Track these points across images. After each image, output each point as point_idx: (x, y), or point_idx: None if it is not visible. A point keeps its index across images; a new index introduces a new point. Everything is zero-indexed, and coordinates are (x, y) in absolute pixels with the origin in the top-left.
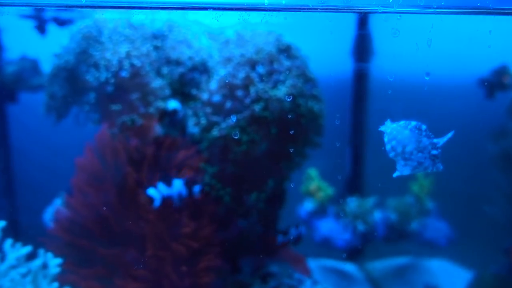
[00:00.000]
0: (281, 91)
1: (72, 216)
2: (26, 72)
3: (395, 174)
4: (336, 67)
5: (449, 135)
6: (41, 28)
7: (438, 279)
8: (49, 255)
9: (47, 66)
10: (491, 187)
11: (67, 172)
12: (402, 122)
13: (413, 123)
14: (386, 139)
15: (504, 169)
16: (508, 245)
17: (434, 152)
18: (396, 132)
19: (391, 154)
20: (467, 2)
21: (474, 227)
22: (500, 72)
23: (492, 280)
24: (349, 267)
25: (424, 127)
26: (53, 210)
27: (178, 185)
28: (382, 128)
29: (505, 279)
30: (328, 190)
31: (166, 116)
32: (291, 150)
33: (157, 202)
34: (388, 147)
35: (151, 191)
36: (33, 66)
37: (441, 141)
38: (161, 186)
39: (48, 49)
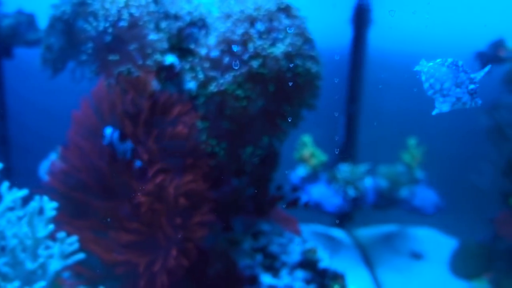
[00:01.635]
0: (280, 49)
1: (67, 168)
2: (22, 26)
3: (434, 112)
4: (335, 35)
5: (486, 69)
6: None
7: (424, 246)
8: (45, 198)
9: (43, 22)
10: (482, 158)
11: (63, 127)
12: (438, 60)
13: (450, 59)
14: (423, 78)
15: (496, 141)
16: (493, 214)
17: (472, 86)
18: (433, 70)
19: (430, 92)
20: None
21: (462, 197)
22: (497, 45)
23: (475, 248)
24: (338, 233)
25: (460, 63)
26: (48, 163)
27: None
28: (418, 68)
29: (488, 247)
30: (321, 157)
31: (163, 70)
32: (287, 110)
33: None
34: (426, 85)
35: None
36: (29, 20)
37: (478, 75)
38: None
39: (45, 4)
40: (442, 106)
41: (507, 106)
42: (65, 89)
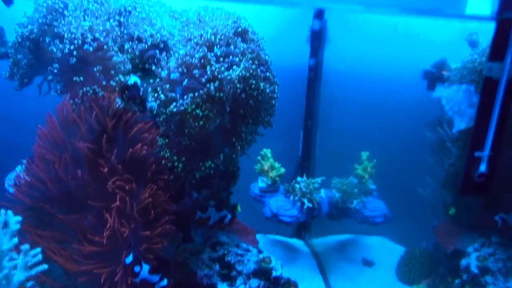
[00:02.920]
0: (235, 72)
1: (33, 181)
2: None
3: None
4: (294, 55)
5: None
6: (7, 1)
7: (375, 254)
8: (9, 213)
9: (11, 36)
10: (426, 171)
11: (28, 144)
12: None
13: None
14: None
15: (438, 155)
16: (436, 223)
17: None
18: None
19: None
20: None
21: (410, 207)
22: (440, 65)
23: (419, 255)
24: (296, 242)
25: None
26: (14, 176)
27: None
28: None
29: (431, 253)
30: (280, 169)
31: (127, 90)
32: (243, 128)
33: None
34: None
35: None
36: None
37: None
38: None
39: (13, 18)
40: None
41: (448, 122)
42: (30, 101)
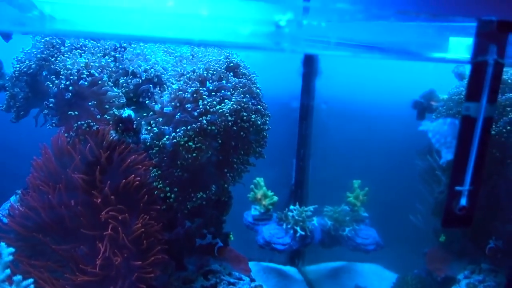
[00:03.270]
0: (227, 106)
1: (26, 212)
2: None
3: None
4: (287, 85)
5: None
6: (5, 35)
7: (368, 281)
8: (2, 244)
9: (8, 69)
10: (417, 198)
11: (23, 173)
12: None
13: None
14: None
15: (428, 183)
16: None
17: None
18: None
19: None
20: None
21: (402, 234)
22: (429, 95)
23: (412, 280)
24: (289, 270)
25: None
26: (8, 206)
27: None
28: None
29: (423, 279)
30: (273, 198)
31: (121, 123)
32: (234, 159)
33: None
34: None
35: None
36: None
37: None
38: None
39: (10, 53)
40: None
41: (438, 151)
42: (26, 132)
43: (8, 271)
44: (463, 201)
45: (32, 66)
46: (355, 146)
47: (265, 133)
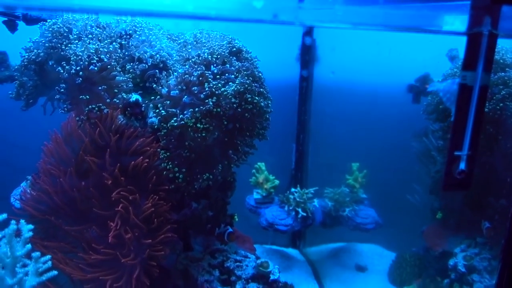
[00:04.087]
0: (231, 88)
1: (38, 195)
2: None
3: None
4: (286, 72)
5: None
6: (11, 25)
7: (368, 260)
8: (22, 221)
9: (15, 61)
10: (414, 179)
11: (33, 159)
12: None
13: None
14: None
15: (425, 163)
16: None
17: None
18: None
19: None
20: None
21: (400, 214)
22: (423, 79)
23: (409, 258)
24: (291, 251)
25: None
26: (20, 191)
27: None
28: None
29: (421, 256)
30: (275, 182)
31: (129, 107)
32: (239, 141)
33: None
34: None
35: None
36: (1, 58)
37: None
38: None
39: (17, 44)
40: None
41: (433, 133)
42: (34, 123)
43: (29, 246)
44: (462, 165)
45: (41, 54)
46: (353, 130)
47: (268, 116)
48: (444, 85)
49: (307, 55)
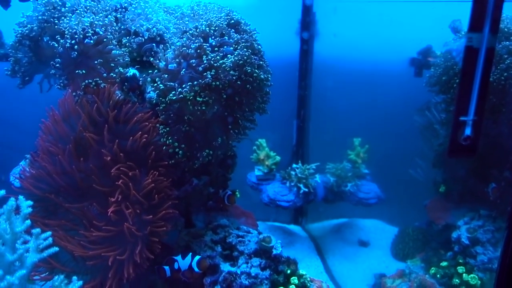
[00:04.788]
0: (230, 60)
1: (38, 173)
2: None
3: None
4: (286, 48)
5: None
6: (4, 1)
7: (370, 235)
8: (21, 197)
9: (9, 39)
10: (416, 153)
11: (30, 138)
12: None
13: None
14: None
15: (427, 137)
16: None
17: None
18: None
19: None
20: None
21: (402, 188)
22: (426, 52)
23: (412, 233)
24: (294, 228)
25: None
26: (19, 170)
27: None
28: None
29: (424, 230)
30: (276, 158)
31: (126, 82)
32: (239, 115)
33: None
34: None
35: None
36: None
37: None
38: None
39: (11, 21)
40: None
41: (435, 106)
42: (30, 101)
43: (28, 222)
44: (468, 131)
45: (34, 28)
46: (354, 105)
47: (268, 89)
48: (457, 44)
49: (308, 16)
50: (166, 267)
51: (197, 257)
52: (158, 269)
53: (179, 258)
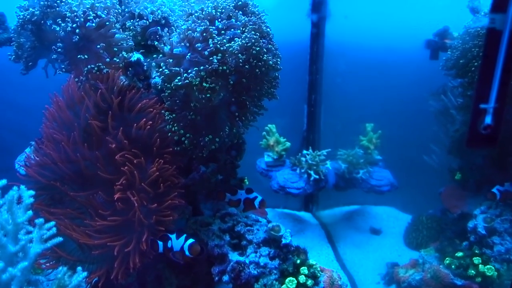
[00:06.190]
0: (237, 43)
1: (43, 161)
2: None
3: None
4: (295, 29)
5: None
6: None
7: (383, 222)
8: (22, 187)
9: (13, 23)
10: (431, 140)
11: (35, 124)
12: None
13: None
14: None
15: (442, 123)
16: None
17: None
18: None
19: None
20: None
21: (416, 175)
22: (442, 33)
23: (426, 221)
24: (304, 215)
25: None
26: (24, 157)
27: None
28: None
29: (438, 219)
30: (286, 144)
31: (130, 67)
32: (247, 101)
33: None
34: None
35: None
36: None
37: None
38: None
39: (14, 5)
40: None
41: (452, 90)
42: (35, 87)
43: (30, 212)
44: (488, 120)
45: (36, 12)
46: (367, 89)
47: (277, 74)
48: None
49: (318, 11)
50: (160, 243)
51: (190, 241)
52: (152, 241)
53: (173, 237)
